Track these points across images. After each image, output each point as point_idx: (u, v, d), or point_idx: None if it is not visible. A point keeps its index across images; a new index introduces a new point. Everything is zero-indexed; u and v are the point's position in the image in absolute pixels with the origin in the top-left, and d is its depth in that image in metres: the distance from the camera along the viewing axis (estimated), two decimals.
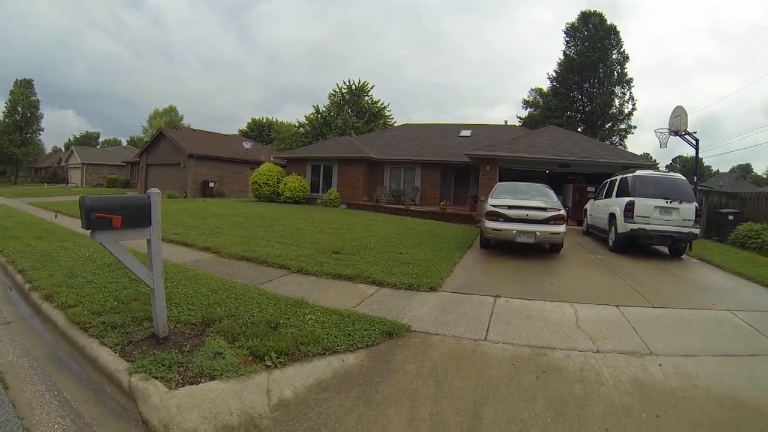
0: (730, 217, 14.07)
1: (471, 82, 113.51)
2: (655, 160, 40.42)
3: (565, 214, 8.78)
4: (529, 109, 44.87)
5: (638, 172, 10.20)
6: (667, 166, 61.46)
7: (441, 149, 23.14)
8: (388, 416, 2.85)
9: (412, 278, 5.98)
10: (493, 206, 8.69)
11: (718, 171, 70.02)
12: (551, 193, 9.76)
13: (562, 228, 8.50)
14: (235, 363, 3.17)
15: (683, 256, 10.09)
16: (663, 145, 15.39)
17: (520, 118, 44.40)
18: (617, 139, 41.95)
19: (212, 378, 2.96)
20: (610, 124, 41.67)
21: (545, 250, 9.35)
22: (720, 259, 9.67)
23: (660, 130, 15.29)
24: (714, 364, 4.14)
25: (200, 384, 2.88)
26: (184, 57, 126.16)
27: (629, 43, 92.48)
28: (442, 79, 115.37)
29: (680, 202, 9.36)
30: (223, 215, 13.56)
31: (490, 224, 8.60)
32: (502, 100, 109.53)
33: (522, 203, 8.68)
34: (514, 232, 8.36)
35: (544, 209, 8.51)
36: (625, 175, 10.48)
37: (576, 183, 18.67)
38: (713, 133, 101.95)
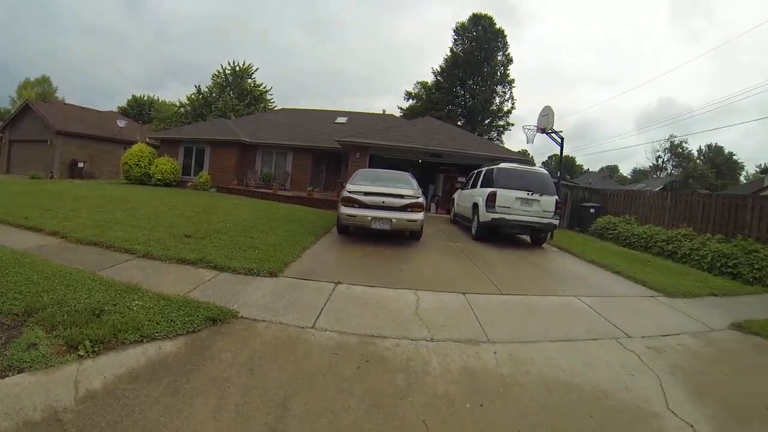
0: (592, 210, 18.19)
1: (361, 73, 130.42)
2: (532, 157, 49.23)
3: (424, 202, 10.22)
4: (411, 101, 54.35)
5: (502, 165, 12.27)
6: (543, 163, 72.42)
7: (315, 135, 27.03)
8: (193, 406, 3.20)
9: (255, 263, 6.80)
10: (350, 192, 9.87)
11: (588, 169, 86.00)
12: (412, 181, 11.35)
13: (419, 216, 9.87)
14: (47, 354, 3.53)
15: (544, 245, 12.48)
16: (530, 140, 18.73)
17: (401, 109, 53.77)
18: (495, 134, 53.85)
19: (20, 371, 3.29)
20: (489, 120, 53.36)
21: (406, 237, 10.81)
22: (578, 248, 12.20)
23: (528, 127, 18.57)
24: (551, 350, 4.88)
25: (6, 378, 3.20)
26: (64, 21, 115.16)
27: (523, 47, 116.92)
28: (333, 68, 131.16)
29: (541, 195, 11.48)
30: (86, 197, 14.56)
31: (346, 210, 9.78)
32: (391, 92, 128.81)
33: (379, 190, 9.91)
34: (369, 218, 9.54)
35: (401, 196, 9.81)
36: (490, 167, 12.54)
37: (447, 173, 22.29)
38: (589, 135, 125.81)
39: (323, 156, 26.50)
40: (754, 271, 10.07)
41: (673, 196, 15.50)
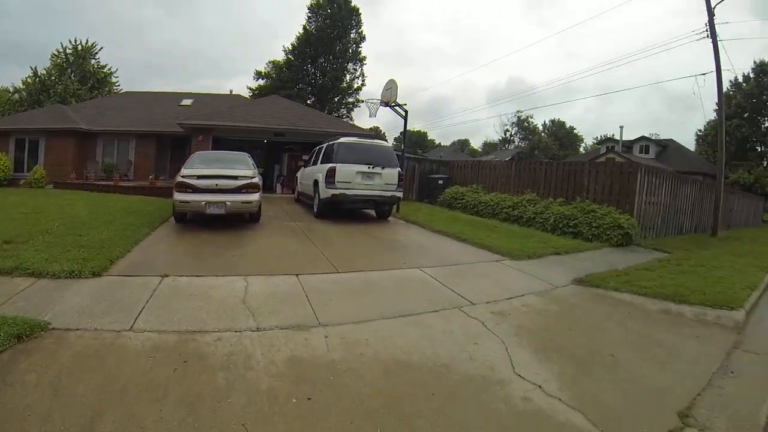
0: (440, 182, 19.37)
1: (214, 53, 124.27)
2: (384, 133, 51.91)
3: (260, 182, 10.47)
4: (261, 81, 54.94)
5: (342, 139, 12.60)
6: (395, 139, 75.28)
7: (158, 119, 26.19)
8: None
9: (78, 264, 6.32)
10: (183, 176, 9.82)
11: (440, 144, 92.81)
12: (249, 161, 11.63)
13: (255, 196, 10.07)
14: None
15: (390, 219, 13.09)
16: (372, 114, 19.22)
17: (250, 89, 54.07)
18: (345, 112, 56.35)
19: None
20: (339, 98, 55.73)
21: (245, 221, 10.89)
22: (425, 219, 12.89)
23: (371, 101, 19.04)
24: (389, 328, 4.76)
25: None
26: None
27: (380, 25, 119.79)
28: (185, 48, 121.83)
29: (383, 168, 11.97)
30: None
31: (179, 196, 9.71)
32: (244, 72, 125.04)
33: (212, 172, 9.99)
34: (203, 203, 9.53)
35: (235, 177, 9.93)
36: (331, 142, 12.85)
37: (292, 152, 23.07)
38: (442, 111, 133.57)
39: (167, 141, 25.67)
40: (593, 229, 11.35)
41: (517, 165, 16.75)
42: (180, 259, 7.40)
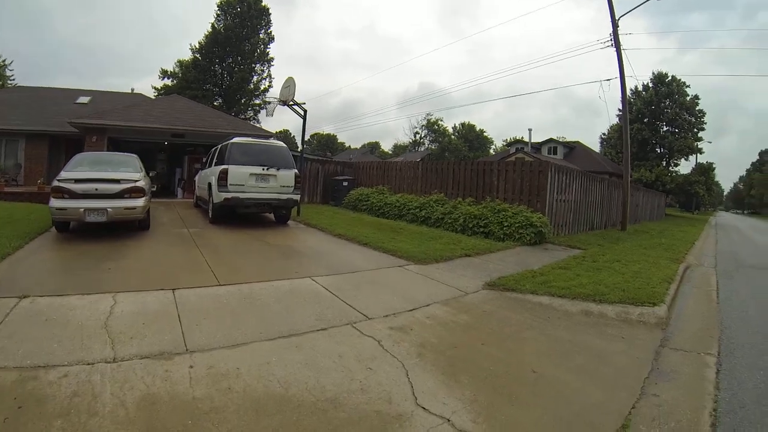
0: (345, 183, 19.42)
1: (123, 50, 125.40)
2: (293, 136, 52.90)
3: (146, 186, 10.06)
4: (167, 80, 54.78)
5: (235, 139, 12.35)
6: (304, 142, 75.01)
7: (51, 117, 24.53)
8: None
9: None
10: (59, 181, 9.23)
11: (350, 146, 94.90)
12: (136, 163, 11.17)
13: (140, 202, 9.51)
14: None
15: (290, 222, 12.73)
16: (269, 113, 19.88)
17: (155, 89, 53.72)
18: (252, 114, 56.98)
19: None
20: (246, 99, 56.29)
21: (134, 228, 10.31)
22: (327, 222, 12.46)
23: (268, 100, 18.88)
24: (267, 352, 4.06)
25: None
26: None
27: (292, 27, 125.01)
28: (92, 42, 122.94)
29: (278, 169, 11.83)
30: None
31: (55, 203, 9.05)
32: (152, 72, 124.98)
33: (91, 176, 9.44)
34: (82, 210, 8.94)
35: (117, 181, 9.40)
36: (225, 143, 12.59)
37: (192, 155, 22.61)
38: (354, 114, 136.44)
39: (61, 142, 23.91)
40: (504, 228, 11.21)
41: (424, 165, 16.64)
42: (47, 275, 6.65)
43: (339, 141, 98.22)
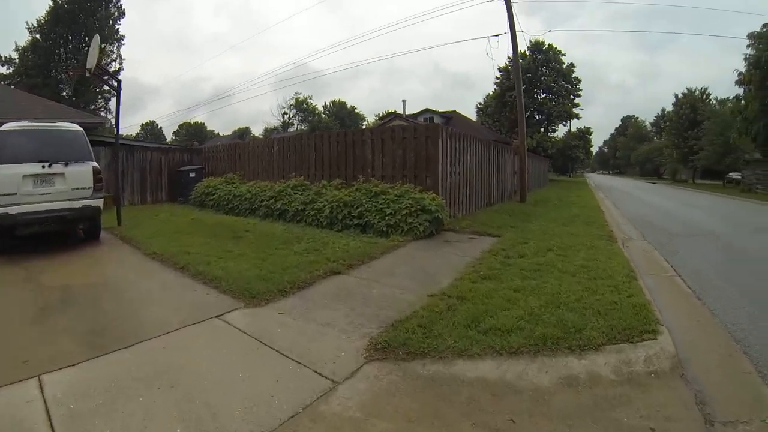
0: (192, 175, 16.07)
1: None
2: (160, 127, 47.19)
3: None
4: (5, 68, 47.24)
5: (5, 126, 8.83)
6: (174, 133, 70.35)
7: None
8: None
9: None
10: None
11: (219, 133, 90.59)
12: None
13: None
14: None
15: (103, 236, 9.45)
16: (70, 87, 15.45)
17: None
18: (102, 102, 49.30)
19: None
20: (93, 86, 47.73)
21: None
22: (149, 232, 9.20)
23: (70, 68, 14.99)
24: None
25: None
26: None
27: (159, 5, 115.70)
28: None
29: (66, 165, 8.47)
30: None
31: None
32: None
33: None
34: None
35: None
36: None
37: None
38: (226, 100, 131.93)
39: None
40: (387, 217, 8.24)
41: (280, 143, 13.39)
42: None
43: (209, 129, 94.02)
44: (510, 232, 8.73)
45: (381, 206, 8.39)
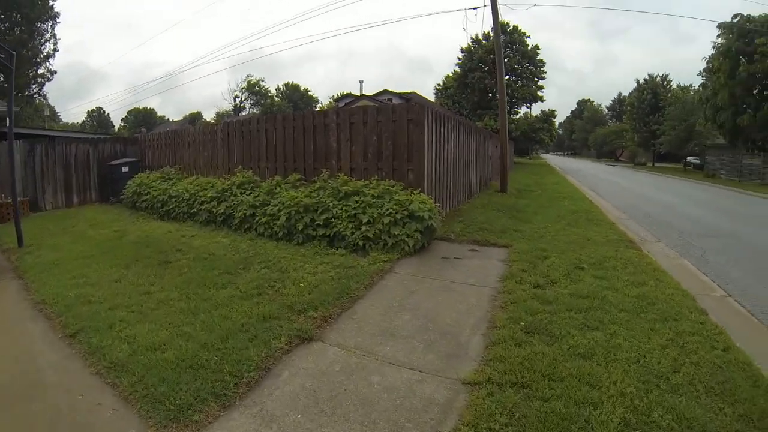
0: (125, 169, 13.68)
1: None
2: (108, 114, 42.84)
3: None
4: None
5: None
6: (123, 119, 67.48)
7: None
8: None
9: None
10: None
11: (170, 119, 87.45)
12: None
13: None
14: None
15: None
16: None
17: None
18: (36, 88, 43.67)
19: None
20: (25, 69, 42.11)
21: None
22: (54, 257, 6.90)
23: None
24: None
25: None
26: None
27: None
28: None
29: None
30: None
31: None
32: None
33: None
34: None
35: None
36: None
37: None
38: (177, 84, 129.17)
39: None
40: (363, 227, 6.26)
41: (224, 128, 11.17)
42: None
43: (160, 114, 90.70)
44: (516, 239, 7.04)
45: (354, 211, 6.47)
